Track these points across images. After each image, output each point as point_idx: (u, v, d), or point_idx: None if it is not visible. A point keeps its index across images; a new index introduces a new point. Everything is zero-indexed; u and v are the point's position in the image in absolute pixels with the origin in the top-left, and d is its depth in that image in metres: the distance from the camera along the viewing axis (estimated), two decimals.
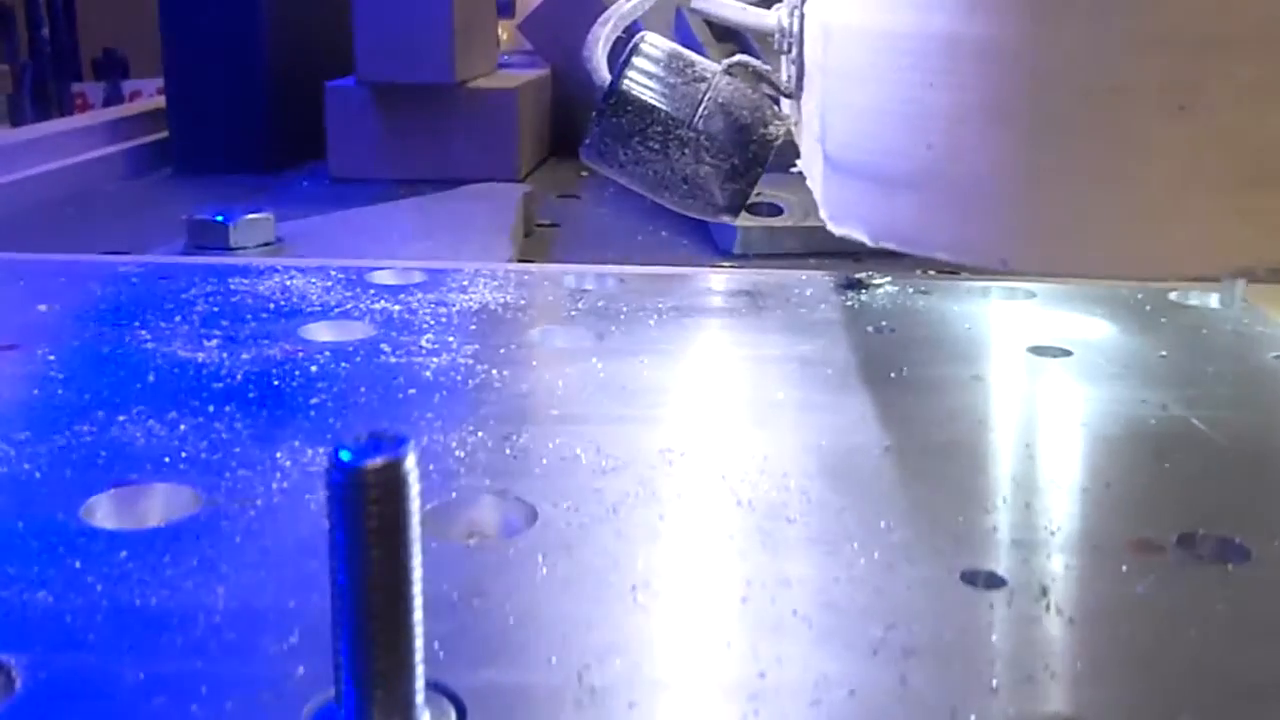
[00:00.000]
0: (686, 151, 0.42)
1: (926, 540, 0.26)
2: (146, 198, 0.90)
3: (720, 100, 0.42)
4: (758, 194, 0.81)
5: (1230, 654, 0.22)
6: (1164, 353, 0.38)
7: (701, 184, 0.43)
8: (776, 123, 0.43)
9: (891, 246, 0.32)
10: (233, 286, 0.45)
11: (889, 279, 0.45)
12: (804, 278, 0.46)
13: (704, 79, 0.42)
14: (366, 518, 0.19)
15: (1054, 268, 0.30)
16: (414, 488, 0.19)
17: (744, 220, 0.76)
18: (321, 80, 0.95)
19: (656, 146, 0.42)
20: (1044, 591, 0.24)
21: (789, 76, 0.42)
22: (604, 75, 0.43)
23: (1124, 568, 0.25)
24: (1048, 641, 0.22)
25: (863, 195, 0.33)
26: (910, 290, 0.44)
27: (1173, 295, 0.43)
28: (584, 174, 1.02)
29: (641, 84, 0.42)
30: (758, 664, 0.21)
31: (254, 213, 0.61)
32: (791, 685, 0.21)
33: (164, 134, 1.00)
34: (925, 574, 0.24)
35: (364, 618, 0.19)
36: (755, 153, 0.43)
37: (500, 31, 1.14)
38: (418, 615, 0.19)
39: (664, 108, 0.42)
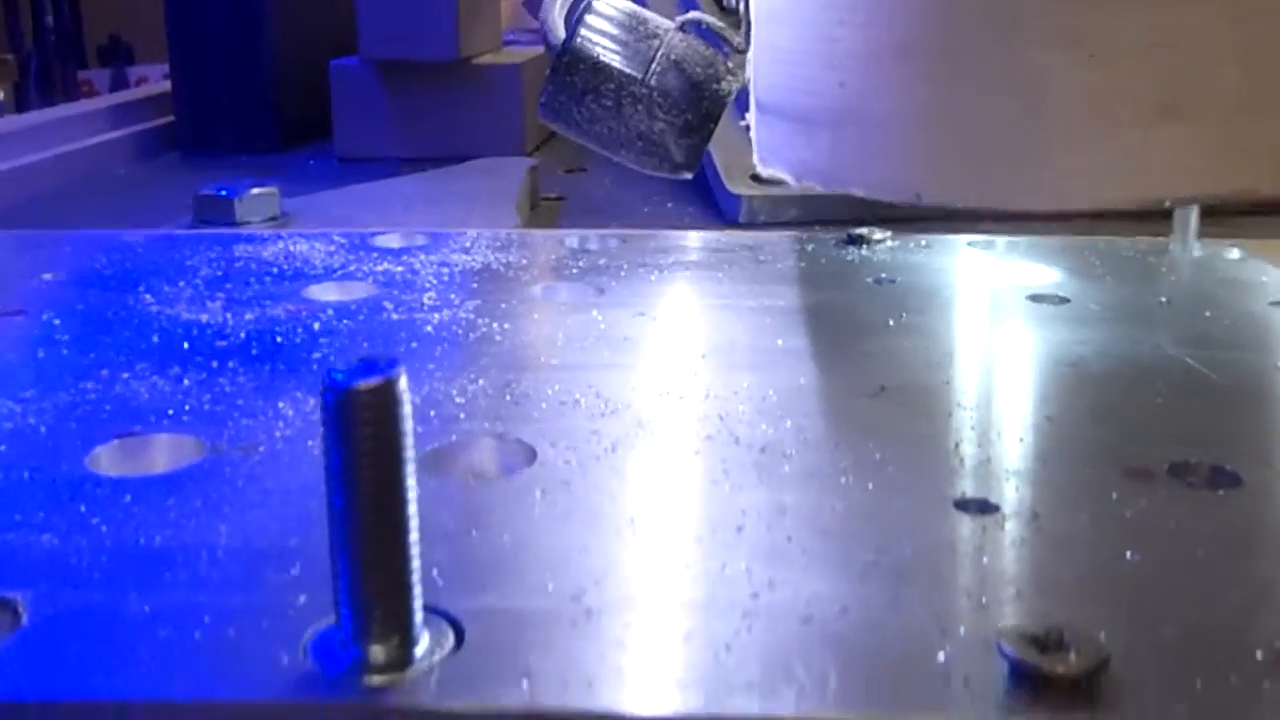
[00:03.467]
0: (640, 108, 0.42)
1: (920, 472, 0.26)
2: (154, 180, 0.90)
3: (673, 57, 0.42)
4: None
5: (1217, 570, 0.22)
6: (1163, 299, 0.38)
7: (656, 140, 0.43)
8: (730, 78, 0.43)
9: (812, 184, 0.33)
10: (236, 253, 0.46)
11: (889, 234, 0.45)
12: (805, 237, 0.47)
13: (657, 35, 0.43)
14: (360, 439, 0.19)
15: (966, 201, 0.30)
16: (406, 408, 0.19)
17: (748, 189, 0.77)
18: (326, 59, 0.95)
19: (610, 104, 0.42)
20: (1035, 516, 0.24)
21: (743, 32, 0.42)
22: (559, 34, 0.43)
23: (1114, 495, 0.25)
24: (1037, 561, 0.22)
25: (786, 135, 0.33)
26: (911, 245, 0.44)
27: (1172, 247, 0.43)
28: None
29: (594, 41, 0.42)
30: (751, 585, 0.22)
31: (259, 187, 0.61)
32: (785, 604, 0.21)
33: (170, 118, 1.01)
34: (918, 502, 0.25)
35: (360, 538, 0.19)
36: (708, 108, 0.43)
37: (504, 9, 1.13)
38: (414, 536, 0.20)
39: (617, 65, 0.42)
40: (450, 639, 0.20)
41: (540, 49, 1.07)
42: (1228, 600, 0.21)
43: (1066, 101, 0.27)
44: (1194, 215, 0.40)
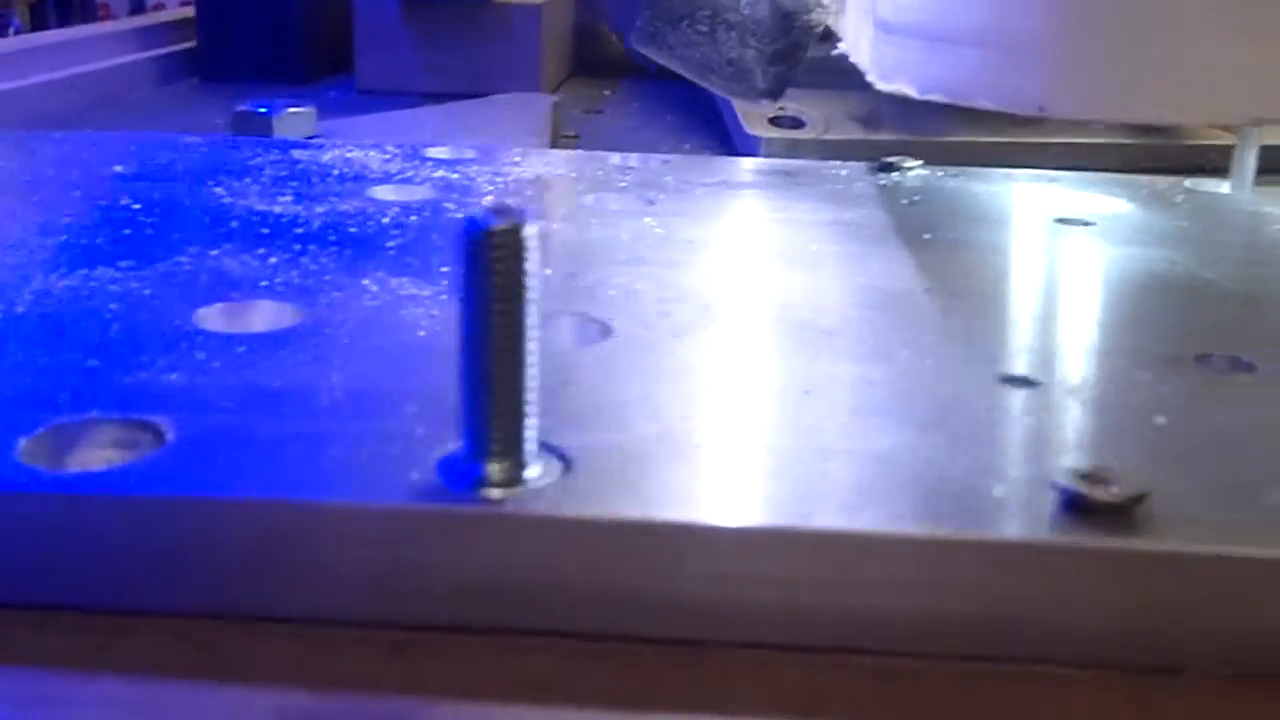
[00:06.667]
0: (733, 34, 0.44)
1: (970, 354, 0.28)
2: (175, 104, 0.91)
3: None
4: (780, 108, 0.83)
5: (1240, 435, 0.24)
6: (1184, 224, 0.40)
7: (746, 67, 0.45)
8: (819, 10, 0.45)
9: (937, 98, 0.35)
10: (296, 157, 0.48)
11: (920, 163, 0.47)
12: (838, 163, 0.49)
13: None
14: (492, 273, 0.21)
15: (1088, 113, 0.33)
16: (533, 251, 0.21)
17: (767, 131, 0.79)
18: None
19: (705, 29, 0.44)
20: (1075, 390, 0.26)
21: None
22: None
23: (1146, 376, 0.27)
24: (1078, 423, 0.25)
25: (911, 53, 0.35)
26: (940, 174, 0.47)
27: (1188, 183, 0.46)
28: (606, 93, 1.04)
29: None
30: (826, 435, 0.24)
31: (296, 106, 0.63)
32: (858, 448, 0.23)
33: (190, 43, 1.02)
34: (969, 377, 0.27)
35: (486, 363, 0.21)
36: (797, 38, 0.45)
37: None
38: (533, 370, 0.22)
39: None
40: (559, 467, 0.23)
41: None
42: (1250, 455, 0.23)
43: (1183, 21, 0.29)
44: (1252, 158, 0.43)
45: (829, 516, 0.21)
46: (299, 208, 0.40)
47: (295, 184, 0.43)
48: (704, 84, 0.46)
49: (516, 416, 0.22)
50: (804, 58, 0.46)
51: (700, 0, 0.44)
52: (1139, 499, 0.21)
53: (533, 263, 0.22)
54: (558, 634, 0.21)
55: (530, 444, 0.22)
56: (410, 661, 0.21)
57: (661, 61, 0.46)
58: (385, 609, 0.21)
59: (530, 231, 0.21)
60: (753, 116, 0.80)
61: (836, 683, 0.20)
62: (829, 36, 0.46)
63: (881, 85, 0.38)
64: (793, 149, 0.71)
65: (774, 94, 0.46)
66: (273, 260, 0.34)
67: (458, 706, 0.20)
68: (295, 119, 0.62)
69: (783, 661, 0.21)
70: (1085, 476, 0.21)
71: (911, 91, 0.36)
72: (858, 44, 0.42)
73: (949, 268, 0.35)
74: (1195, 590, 0.20)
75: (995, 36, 0.32)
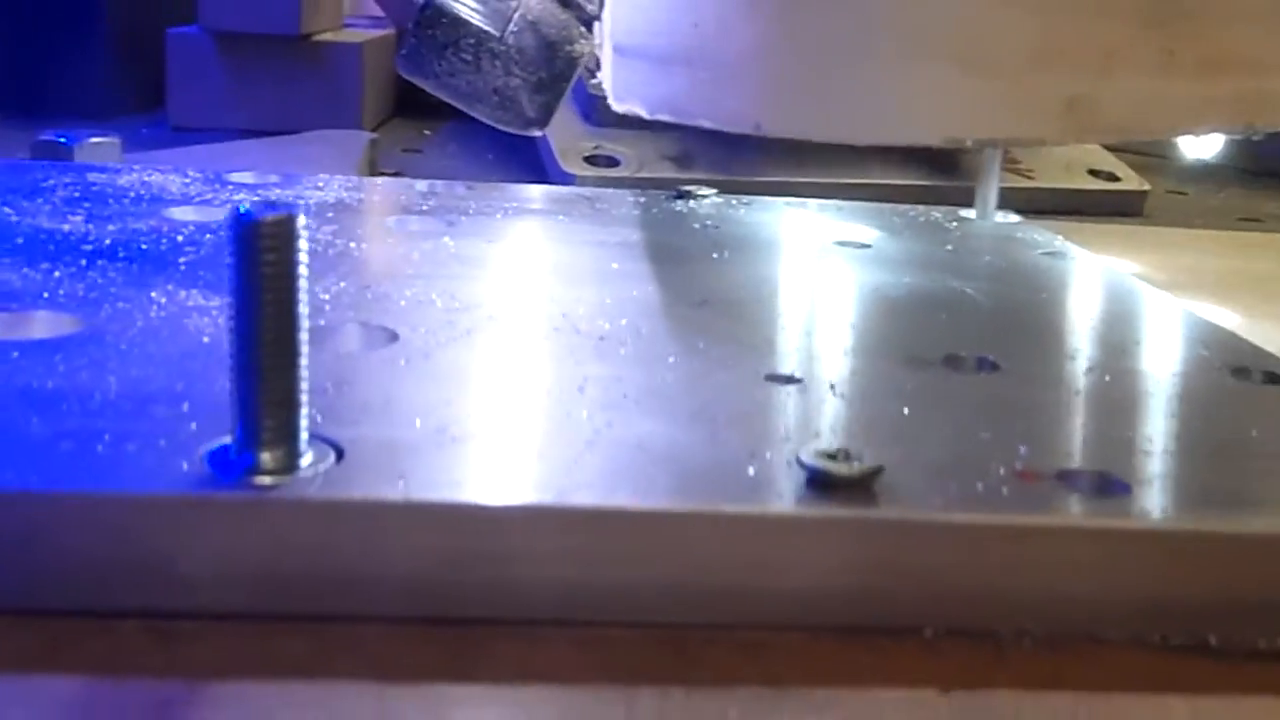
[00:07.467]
0: (497, 64, 0.45)
1: (738, 356, 0.30)
2: None
3: (530, 18, 0.46)
4: (596, 146, 0.85)
5: (975, 423, 0.26)
6: (950, 247, 0.43)
7: (511, 96, 0.46)
8: (582, 41, 0.47)
9: (665, 118, 0.37)
10: (91, 179, 0.47)
11: (715, 191, 0.49)
12: (639, 192, 0.51)
13: None
14: (261, 264, 0.22)
15: (799, 132, 0.35)
16: (302, 242, 0.22)
17: (582, 170, 0.81)
18: (165, 27, 0.95)
19: (469, 59, 0.45)
20: (832, 386, 0.28)
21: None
22: None
23: (897, 374, 0.29)
24: (831, 414, 0.27)
25: (641, 74, 0.37)
26: (734, 201, 0.49)
27: (963, 212, 0.49)
28: (426, 133, 1.05)
29: None
30: (593, 425, 0.25)
31: (99, 136, 0.62)
32: (621, 437, 0.24)
33: None
34: (736, 376, 0.29)
35: (256, 353, 0.22)
36: (561, 68, 0.47)
37: None
38: (303, 360, 0.22)
39: (476, 21, 0.45)
40: (331, 457, 0.23)
41: (381, 32, 1.09)
42: (981, 440, 0.25)
43: (882, 47, 0.32)
44: (994, 190, 0.46)
45: (586, 495, 0.22)
46: (90, 226, 0.39)
47: (89, 205, 0.42)
48: (472, 113, 0.47)
49: (288, 406, 0.22)
50: (567, 87, 0.47)
51: (464, 30, 0.45)
52: (874, 473, 0.22)
53: (303, 254, 0.22)
54: (323, 619, 0.22)
55: (303, 433, 0.23)
56: (173, 649, 0.21)
57: (428, 89, 0.47)
58: (150, 598, 0.21)
59: (300, 223, 0.22)
60: (569, 155, 0.82)
61: (601, 653, 0.21)
62: (598, 66, 0.48)
63: (617, 106, 0.40)
64: (606, 185, 0.73)
65: (540, 123, 0.48)
66: (57, 274, 0.34)
67: (217, 690, 0.20)
68: (98, 149, 0.61)
69: (547, 636, 0.22)
70: (829, 455, 0.23)
71: (642, 111, 0.38)
72: (605, 71, 0.44)
73: (729, 283, 0.37)
74: (921, 552, 0.22)
75: (710, 57, 0.34)
